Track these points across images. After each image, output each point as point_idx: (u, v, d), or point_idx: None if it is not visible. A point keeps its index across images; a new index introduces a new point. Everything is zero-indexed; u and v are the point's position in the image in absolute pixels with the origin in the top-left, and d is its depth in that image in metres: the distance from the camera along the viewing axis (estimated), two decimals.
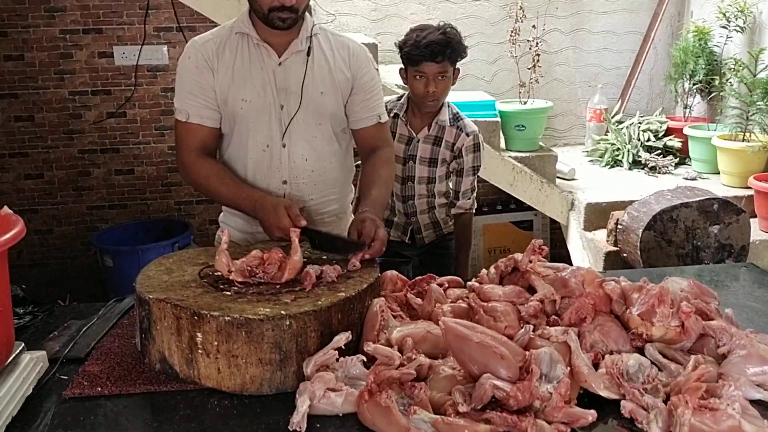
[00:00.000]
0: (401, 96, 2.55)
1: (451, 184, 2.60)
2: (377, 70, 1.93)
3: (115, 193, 4.55)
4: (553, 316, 1.46)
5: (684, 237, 3.17)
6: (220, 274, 1.49)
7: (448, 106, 2.50)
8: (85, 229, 4.56)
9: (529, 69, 4.07)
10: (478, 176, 2.63)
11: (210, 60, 1.80)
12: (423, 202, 2.59)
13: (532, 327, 1.37)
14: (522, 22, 4.01)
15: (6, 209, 1.31)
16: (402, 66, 2.43)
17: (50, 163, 4.44)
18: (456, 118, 2.50)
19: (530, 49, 4.06)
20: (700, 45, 4.22)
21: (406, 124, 2.47)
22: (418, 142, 2.48)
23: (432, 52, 2.26)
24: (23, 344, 1.37)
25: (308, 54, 1.81)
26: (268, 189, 1.86)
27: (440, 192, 2.60)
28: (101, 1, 4.21)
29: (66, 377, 1.39)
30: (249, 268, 1.49)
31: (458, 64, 2.40)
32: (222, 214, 2.05)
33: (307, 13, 1.85)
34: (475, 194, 2.61)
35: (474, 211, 2.65)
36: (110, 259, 3.96)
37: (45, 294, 4.31)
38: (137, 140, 4.47)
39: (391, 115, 2.44)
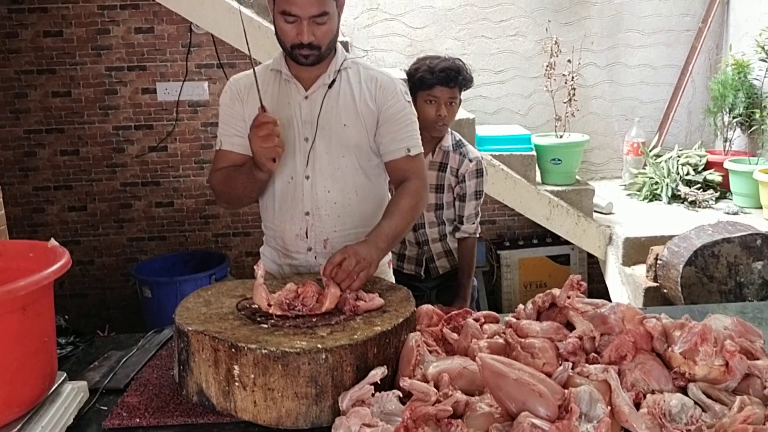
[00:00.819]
0: None
1: (455, 210, 2.61)
2: (409, 102, 1.92)
3: (155, 225, 4.64)
4: (593, 354, 1.43)
5: (726, 273, 3.09)
6: (257, 306, 1.51)
7: (451, 134, 2.56)
8: (125, 261, 4.65)
9: (564, 103, 4.07)
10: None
11: (241, 93, 1.88)
12: (434, 231, 2.60)
13: (571, 364, 1.34)
14: (557, 56, 4.02)
15: (53, 241, 1.35)
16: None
17: (93, 196, 4.56)
18: (459, 145, 2.55)
19: (566, 83, 4.06)
20: (740, 78, 4.18)
21: None
22: None
23: (447, 76, 2.37)
24: (65, 374, 1.39)
25: (330, 87, 1.84)
26: (291, 220, 1.89)
27: (449, 219, 2.61)
28: (145, 40, 4.36)
29: (105, 408, 1.41)
30: (287, 301, 1.50)
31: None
32: (263, 246, 2.07)
33: (340, 48, 1.88)
34: (479, 219, 2.62)
35: (477, 235, 2.64)
36: (149, 290, 4.02)
37: (84, 324, 4.40)
38: (177, 173, 4.57)
39: None
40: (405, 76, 2.50)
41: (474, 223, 2.59)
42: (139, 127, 4.49)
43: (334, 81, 1.84)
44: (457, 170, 2.52)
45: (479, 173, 2.54)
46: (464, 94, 2.56)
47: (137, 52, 4.38)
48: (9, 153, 4.44)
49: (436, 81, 2.37)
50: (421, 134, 2.43)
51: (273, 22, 1.76)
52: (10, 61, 4.34)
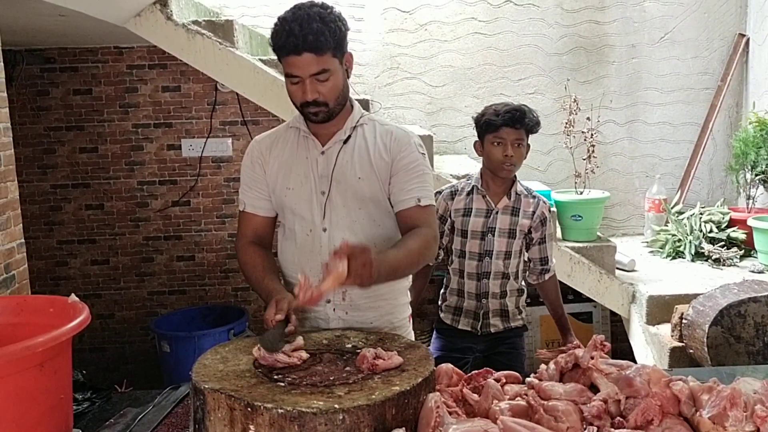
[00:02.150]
0: (467, 177, 2.63)
1: (533, 255, 2.63)
2: (423, 154, 1.92)
3: (176, 279, 4.66)
4: (618, 418, 1.38)
5: (754, 333, 3.02)
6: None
7: (519, 181, 2.60)
8: (145, 315, 4.66)
9: (584, 159, 4.07)
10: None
11: (263, 155, 1.93)
12: (497, 284, 2.57)
13: (595, 429, 1.30)
14: (576, 114, 4.05)
15: (73, 297, 1.36)
16: (477, 139, 2.54)
17: (116, 250, 4.61)
18: (528, 190, 2.62)
19: (585, 140, 4.08)
20: (761, 136, 4.16)
21: (484, 197, 2.54)
22: (497, 213, 2.53)
23: (512, 117, 2.42)
24: None
25: (345, 142, 1.87)
26: (310, 272, 1.88)
27: (513, 273, 2.59)
28: (172, 98, 4.48)
29: None
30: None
31: None
32: None
33: (357, 105, 1.92)
34: None
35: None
36: (167, 345, 4.01)
37: (103, 378, 4.39)
38: (199, 228, 4.62)
39: (466, 192, 2.55)
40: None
41: (554, 261, 2.69)
42: (163, 182, 4.57)
43: (349, 137, 1.88)
44: (533, 213, 2.56)
45: (553, 213, 2.65)
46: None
47: (164, 109, 4.50)
48: (35, 207, 4.53)
49: (502, 122, 2.43)
50: (492, 178, 2.53)
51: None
52: (40, 117, 4.47)
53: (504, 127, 2.43)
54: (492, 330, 2.60)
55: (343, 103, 1.84)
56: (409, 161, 1.87)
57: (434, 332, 2.72)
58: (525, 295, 2.68)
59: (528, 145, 2.52)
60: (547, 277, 2.68)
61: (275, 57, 1.77)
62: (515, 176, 2.56)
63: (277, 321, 1.60)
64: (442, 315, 2.67)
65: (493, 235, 2.53)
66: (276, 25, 1.71)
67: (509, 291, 2.60)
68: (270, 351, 1.47)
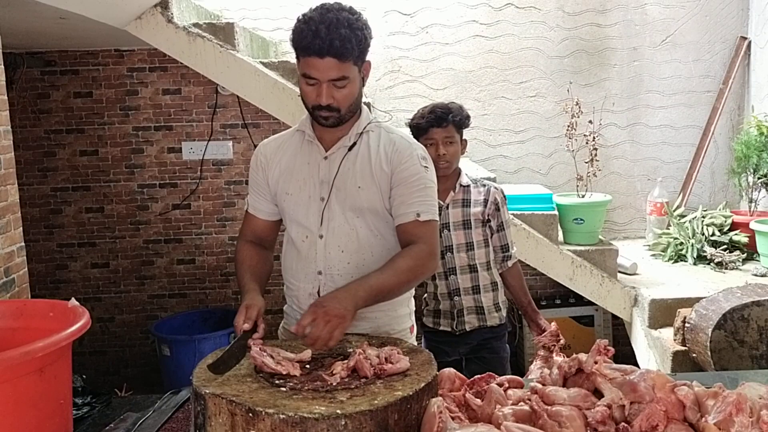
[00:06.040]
0: None
1: (494, 243, 2.64)
2: (426, 167, 1.86)
3: (176, 282, 4.65)
4: (623, 423, 1.37)
5: (757, 337, 3.00)
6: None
7: (465, 173, 2.64)
8: (145, 318, 4.65)
9: (586, 163, 4.06)
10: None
11: (266, 158, 1.93)
12: (466, 278, 2.58)
13: None
14: (578, 117, 4.04)
15: (73, 301, 1.35)
16: None
17: (116, 253, 4.61)
18: (475, 180, 2.66)
19: (587, 143, 4.06)
20: (764, 139, 4.15)
21: None
22: (447, 208, 2.57)
23: (436, 116, 2.50)
24: None
25: (350, 149, 1.85)
26: (305, 278, 1.89)
27: (482, 264, 2.58)
28: (173, 101, 4.48)
29: None
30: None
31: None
32: (286, 305, 2.05)
33: (366, 111, 1.90)
34: None
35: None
36: (167, 348, 4.00)
37: (103, 382, 4.38)
38: (199, 231, 4.61)
39: None
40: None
41: (515, 248, 2.69)
42: (163, 185, 4.56)
43: (354, 143, 1.86)
44: (486, 200, 2.59)
45: (505, 199, 2.66)
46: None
47: (164, 112, 4.49)
48: (35, 210, 4.52)
49: (428, 123, 2.50)
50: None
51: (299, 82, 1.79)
52: (40, 120, 4.47)
53: (431, 128, 2.50)
54: (467, 328, 2.59)
55: (355, 110, 1.83)
56: (409, 174, 1.82)
57: (423, 336, 2.72)
58: (502, 291, 2.67)
59: (464, 141, 2.58)
60: (509, 264, 2.68)
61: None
62: (459, 169, 2.61)
63: (244, 330, 1.60)
64: (424, 319, 2.69)
65: (449, 230, 2.57)
66: (300, 23, 1.68)
67: (482, 286, 2.60)
68: (215, 373, 1.41)
